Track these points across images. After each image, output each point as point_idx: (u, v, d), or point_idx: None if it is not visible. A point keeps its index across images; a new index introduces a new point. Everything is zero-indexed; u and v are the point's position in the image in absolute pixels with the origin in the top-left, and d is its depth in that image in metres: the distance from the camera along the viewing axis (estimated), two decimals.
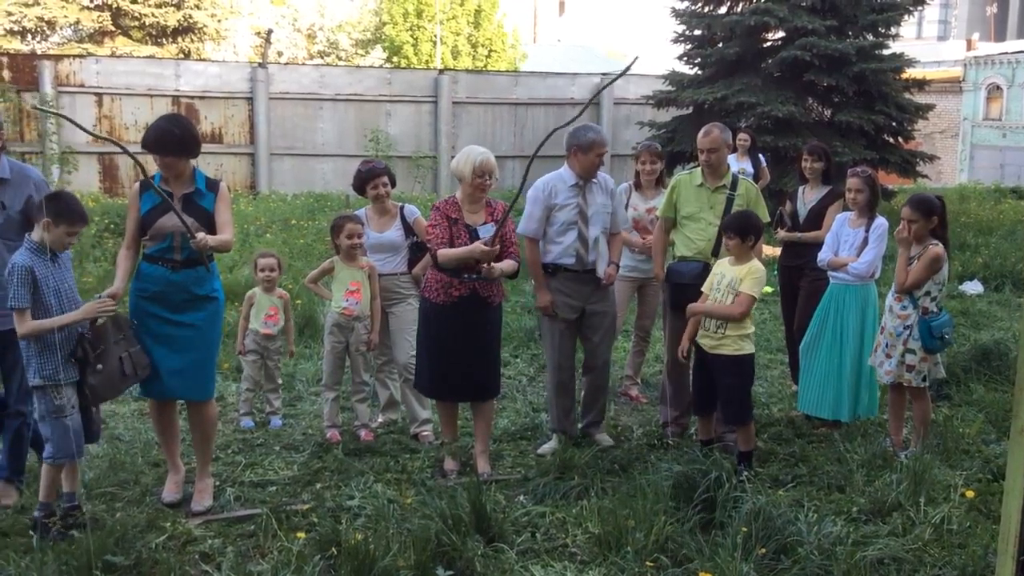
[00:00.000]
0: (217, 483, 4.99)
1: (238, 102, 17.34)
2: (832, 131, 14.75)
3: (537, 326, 7.86)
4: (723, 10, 16.38)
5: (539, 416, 6.26)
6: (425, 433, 5.86)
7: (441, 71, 19.68)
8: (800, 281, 6.41)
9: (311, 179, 17.61)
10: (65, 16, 24.08)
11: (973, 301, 9.90)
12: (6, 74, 15.79)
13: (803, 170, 6.62)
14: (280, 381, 6.43)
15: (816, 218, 6.43)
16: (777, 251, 6.79)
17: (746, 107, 14.53)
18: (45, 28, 24.63)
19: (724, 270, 5.23)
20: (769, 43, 15.99)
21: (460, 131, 18.45)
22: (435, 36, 29.88)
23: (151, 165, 4.70)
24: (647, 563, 4.00)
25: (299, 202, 15.31)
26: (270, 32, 32.01)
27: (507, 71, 26.32)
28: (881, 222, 5.87)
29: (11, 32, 24.22)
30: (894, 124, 15.66)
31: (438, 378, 5.32)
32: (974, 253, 12.08)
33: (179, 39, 25.85)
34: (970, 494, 4.68)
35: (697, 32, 16.40)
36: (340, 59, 35.24)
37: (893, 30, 16.03)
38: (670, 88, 16.50)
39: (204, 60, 22.08)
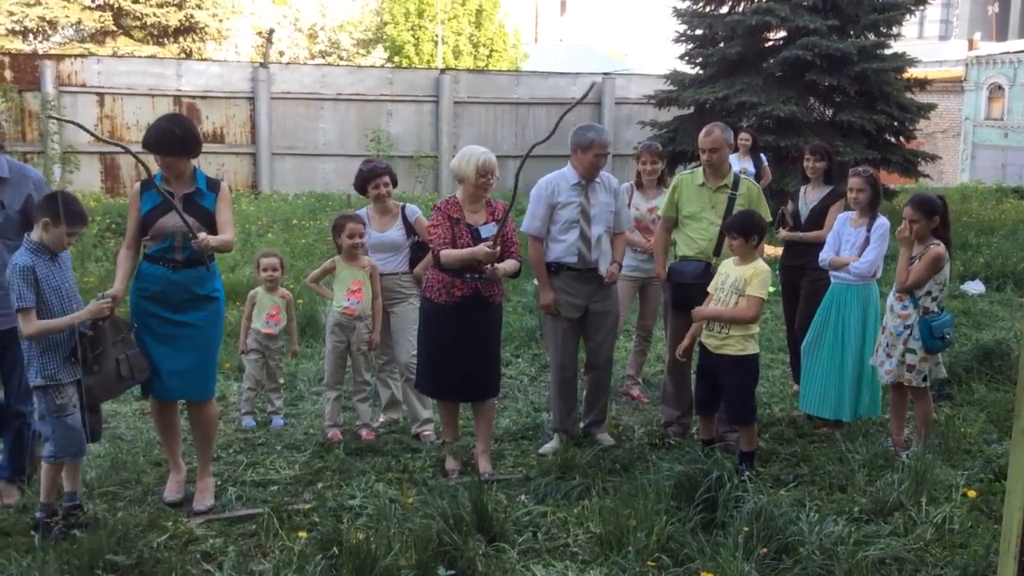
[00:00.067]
0: (219, 482, 4.99)
1: (240, 102, 17.35)
2: (834, 131, 14.73)
3: (539, 325, 7.88)
4: (724, 9, 16.36)
5: (540, 416, 6.26)
6: (426, 433, 5.87)
7: (442, 71, 19.68)
8: (802, 281, 6.41)
9: (312, 179, 17.62)
10: (67, 16, 24.09)
11: (975, 301, 9.90)
12: (8, 74, 15.79)
13: (805, 170, 6.62)
14: (282, 381, 6.44)
15: (818, 218, 6.43)
16: (778, 251, 6.79)
17: (747, 107, 14.52)
18: (47, 28, 24.63)
19: (728, 270, 5.23)
20: (771, 43, 15.98)
21: (461, 131, 18.45)
22: (436, 36, 29.87)
23: (152, 165, 4.69)
24: (648, 563, 4.00)
25: (300, 202, 15.31)
26: (271, 32, 32.04)
27: (508, 71, 26.31)
28: (883, 222, 5.87)
29: (13, 32, 24.22)
30: (896, 124, 15.64)
31: (439, 378, 5.32)
32: (976, 253, 12.07)
33: (181, 39, 25.85)
34: (972, 494, 4.67)
35: (699, 32, 16.39)
36: (341, 59, 35.23)
37: (895, 30, 16.01)
38: (671, 88, 16.49)
39: (206, 60, 22.08)
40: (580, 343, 5.83)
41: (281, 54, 34.39)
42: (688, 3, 16.66)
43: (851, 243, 5.89)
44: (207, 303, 4.73)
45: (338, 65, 27.67)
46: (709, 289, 5.32)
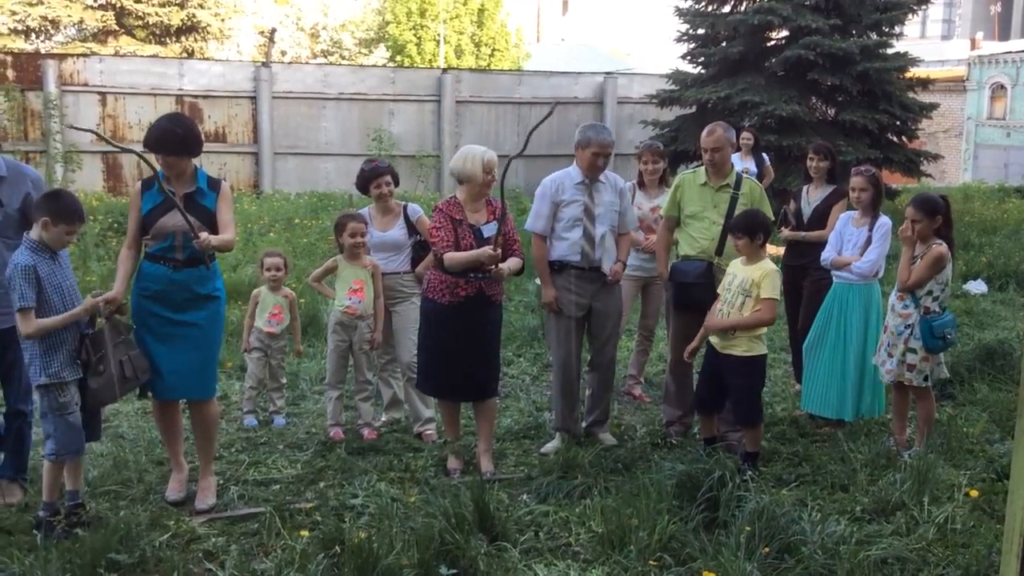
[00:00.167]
0: (221, 481, 5.00)
1: (242, 101, 17.35)
2: (836, 130, 14.73)
3: (541, 324, 7.88)
4: (727, 9, 16.35)
5: (542, 415, 6.27)
6: (428, 432, 5.87)
7: (444, 70, 19.68)
8: (804, 280, 6.41)
9: (314, 178, 17.61)
10: (69, 15, 24.11)
11: (977, 300, 9.89)
12: (10, 73, 15.80)
13: (808, 169, 6.61)
14: (284, 380, 6.44)
15: (820, 217, 6.43)
16: (780, 250, 6.78)
17: (750, 106, 14.51)
18: (49, 27, 24.66)
19: (736, 270, 5.22)
20: (773, 42, 15.97)
21: (463, 130, 18.45)
22: (438, 35, 29.86)
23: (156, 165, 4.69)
24: (650, 562, 4.00)
25: (302, 201, 15.31)
26: (274, 31, 32.03)
27: (510, 70, 26.29)
28: (885, 221, 5.87)
29: (15, 31, 24.25)
30: (898, 123, 15.64)
31: (439, 378, 5.32)
32: (978, 252, 12.06)
33: (183, 38, 25.87)
34: (974, 494, 4.67)
35: (701, 31, 16.38)
36: (343, 58, 35.24)
37: (897, 29, 16.00)
38: (674, 87, 16.49)
39: (208, 59, 22.08)
40: (583, 342, 5.83)
41: (283, 53, 34.41)
42: (690, 2, 16.66)
43: (853, 243, 5.88)
44: (208, 302, 4.73)
45: (340, 64, 27.65)
46: (719, 290, 5.32)
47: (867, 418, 5.95)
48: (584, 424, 5.86)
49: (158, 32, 25.41)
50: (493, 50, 31.19)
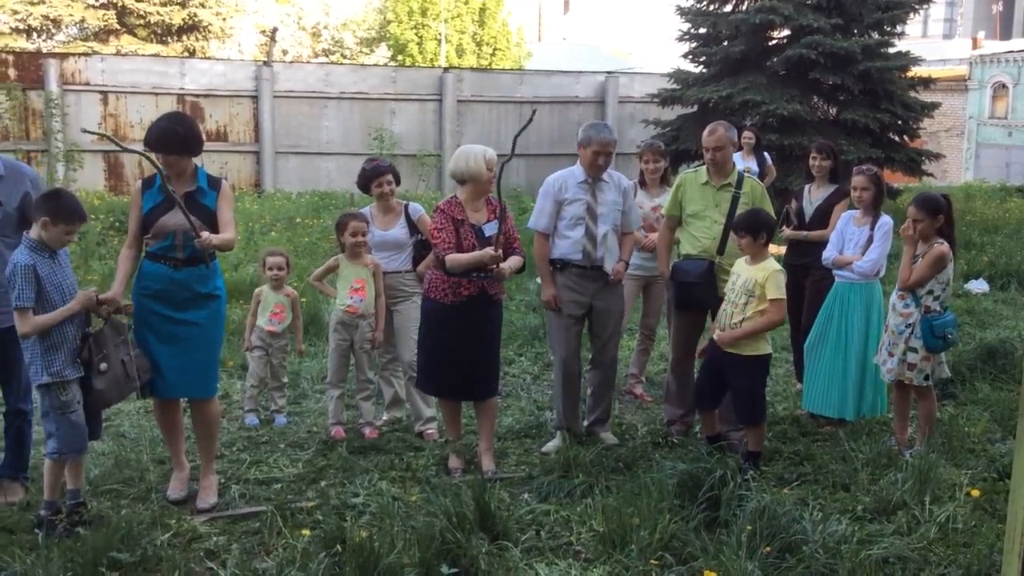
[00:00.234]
0: (222, 480, 5.00)
1: (243, 100, 17.35)
2: (837, 129, 14.72)
3: (543, 324, 7.88)
4: (728, 8, 16.35)
5: (543, 414, 6.26)
6: (430, 431, 5.87)
7: (446, 69, 19.67)
8: (806, 280, 6.39)
9: (316, 177, 17.62)
10: (70, 14, 24.13)
11: (979, 300, 9.88)
12: (12, 72, 15.81)
13: (811, 168, 6.61)
14: (285, 380, 6.44)
15: (823, 217, 6.42)
16: (782, 249, 6.78)
17: (751, 105, 14.51)
18: (50, 26, 24.69)
19: (740, 270, 5.22)
20: (774, 41, 15.96)
21: (465, 129, 18.45)
22: (440, 34, 29.87)
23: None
24: (651, 561, 4.00)
25: (304, 200, 15.31)
26: (275, 30, 32.05)
27: (512, 69, 26.28)
28: (886, 220, 5.86)
29: (17, 30, 24.28)
30: (899, 122, 15.63)
31: (440, 378, 5.32)
32: (979, 252, 12.05)
33: (184, 37, 25.89)
34: (975, 493, 4.67)
35: (702, 30, 16.37)
36: (345, 57, 35.26)
37: (899, 28, 16.00)
38: (675, 86, 16.48)
39: (209, 58, 22.10)
40: (584, 341, 5.83)
41: (285, 53, 34.43)
42: (692, 2, 16.66)
43: (854, 242, 5.88)
44: (209, 301, 4.73)
45: (341, 64, 27.67)
46: (725, 290, 5.31)
47: (868, 417, 5.95)
48: (585, 423, 5.86)
49: (159, 31, 25.44)
50: (494, 49, 31.21)
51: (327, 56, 35.65)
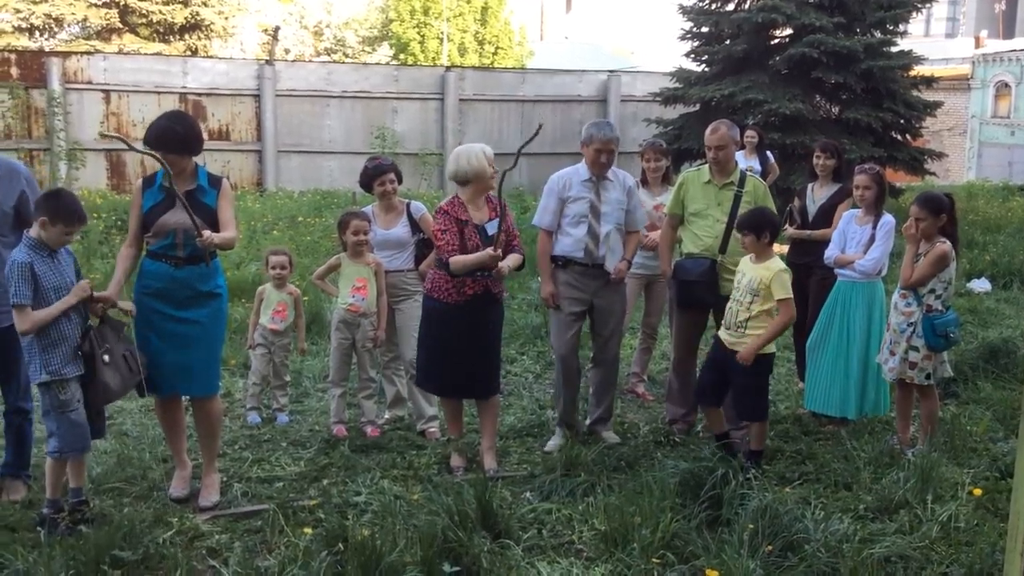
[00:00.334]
0: (224, 479, 5.00)
1: (245, 99, 17.36)
2: (840, 128, 14.70)
3: (545, 322, 7.88)
4: (731, 7, 16.35)
5: (545, 413, 6.26)
6: (432, 430, 5.87)
7: (448, 68, 19.67)
8: (809, 279, 6.37)
9: (318, 176, 17.63)
10: (73, 13, 24.15)
11: (981, 299, 9.87)
12: (14, 71, 15.83)
13: (815, 167, 6.61)
14: (288, 378, 6.45)
15: (826, 216, 6.42)
16: (785, 248, 6.77)
17: (753, 104, 14.50)
18: (53, 25, 24.71)
19: (745, 268, 5.21)
20: (777, 40, 15.95)
21: (467, 128, 18.44)
22: (442, 33, 29.87)
23: (155, 164, 4.68)
24: (653, 560, 3.99)
25: (306, 199, 15.32)
26: (277, 29, 32.05)
27: (514, 68, 26.28)
28: (888, 219, 5.85)
29: (19, 29, 24.30)
30: (902, 121, 15.61)
31: (442, 377, 5.33)
32: (982, 251, 12.04)
33: (186, 36, 25.90)
34: (977, 492, 4.67)
35: (704, 29, 16.36)
36: (347, 56, 35.29)
37: (901, 27, 15.98)
38: (677, 85, 16.48)
39: (211, 57, 22.11)
40: (584, 339, 5.83)
41: (287, 51, 34.45)
42: (694, 0, 16.64)
43: (856, 241, 5.88)
44: (210, 300, 4.74)
45: (343, 62, 27.68)
46: (733, 288, 5.31)
47: (870, 416, 5.94)
48: (587, 422, 5.87)
49: (162, 30, 25.45)
50: (496, 48, 31.20)
51: (329, 55, 35.68)
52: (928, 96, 16.24)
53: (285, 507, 4.52)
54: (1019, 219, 15.05)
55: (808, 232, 6.48)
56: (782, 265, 5.16)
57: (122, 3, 24.36)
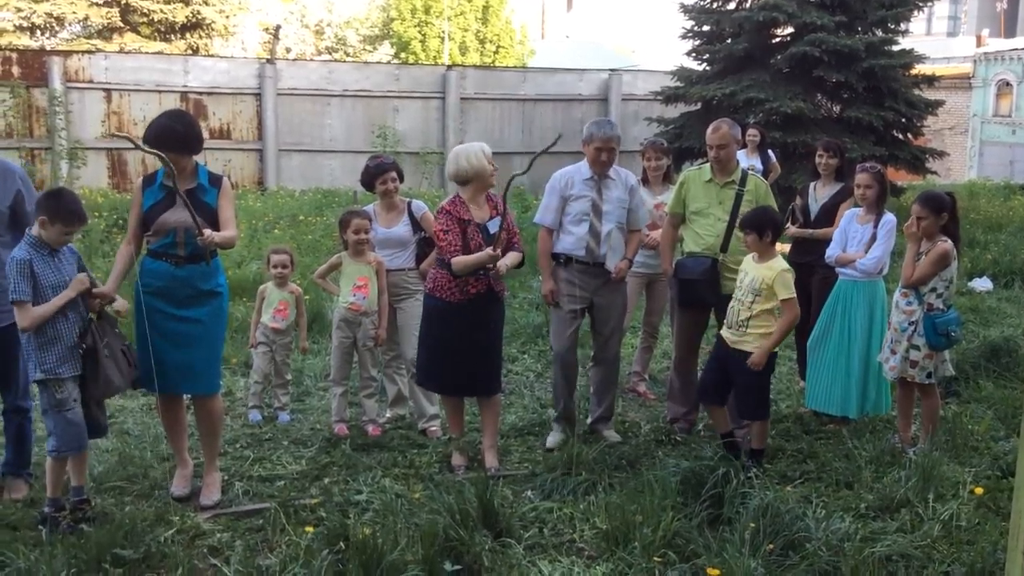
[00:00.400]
0: (226, 477, 5.01)
1: (246, 98, 17.35)
2: (841, 127, 14.69)
3: (546, 321, 7.88)
4: (732, 6, 16.33)
5: (546, 412, 6.26)
6: (433, 428, 5.87)
7: (449, 67, 19.66)
8: (811, 278, 6.36)
9: (319, 175, 17.62)
10: (74, 12, 24.15)
11: (982, 298, 9.86)
12: (16, 70, 15.82)
13: (817, 166, 6.60)
14: (289, 377, 6.45)
15: (828, 215, 6.41)
16: (786, 247, 6.77)
17: (755, 103, 14.48)
18: (54, 24, 24.70)
19: (748, 267, 5.21)
20: (778, 39, 15.93)
21: (468, 127, 18.43)
22: (443, 32, 29.87)
23: (156, 162, 4.68)
24: (654, 559, 4.00)
25: (307, 198, 15.32)
26: (278, 28, 32.04)
27: (515, 67, 26.27)
28: (889, 218, 5.85)
29: (20, 28, 24.29)
30: (903, 120, 15.59)
31: (443, 377, 5.33)
32: (983, 250, 12.03)
33: (187, 35, 25.89)
34: (979, 491, 4.67)
35: (706, 28, 16.33)
36: (348, 55, 35.28)
37: (903, 26, 15.96)
38: (678, 84, 16.46)
39: (212, 56, 22.10)
40: (583, 337, 5.83)
41: (288, 50, 34.43)
42: None
43: (858, 239, 5.87)
44: (211, 298, 4.74)
45: (345, 61, 27.68)
46: (735, 287, 5.30)
47: (872, 415, 5.94)
48: (589, 421, 5.87)
49: (163, 29, 25.44)
50: (498, 47, 31.21)
51: (330, 54, 35.67)
52: (929, 95, 16.22)
53: (286, 506, 4.52)
54: (1020, 218, 15.03)
55: (810, 231, 6.48)
56: (785, 265, 5.15)
57: (123, 2, 24.35)
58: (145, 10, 24.59)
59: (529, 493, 4.87)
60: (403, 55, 30.18)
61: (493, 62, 29.94)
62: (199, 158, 4.83)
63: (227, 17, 26.81)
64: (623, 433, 5.85)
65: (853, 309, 5.83)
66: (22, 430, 4.89)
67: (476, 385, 5.36)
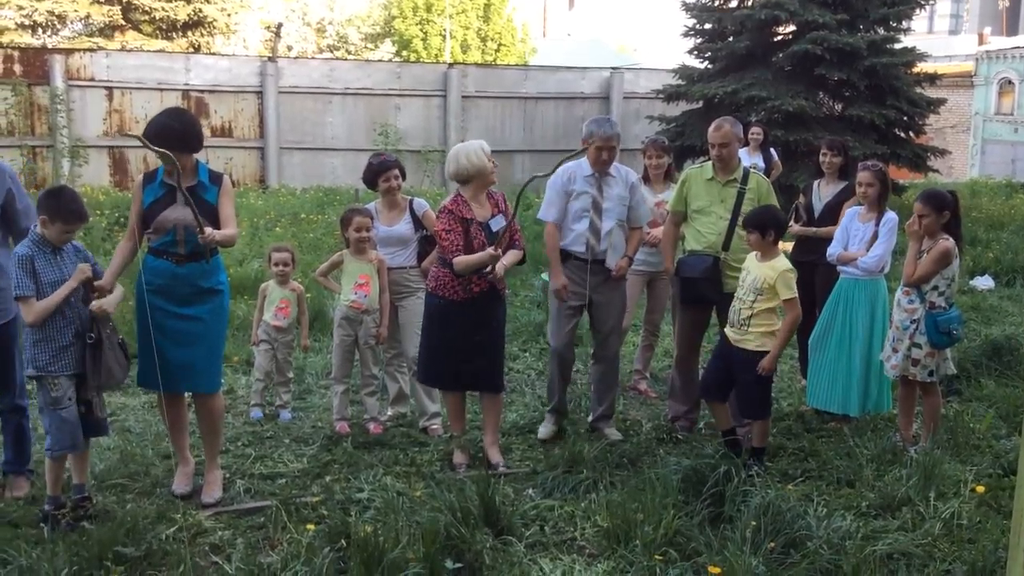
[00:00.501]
0: (227, 475, 5.01)
1: (248, 96, 17.34)
2: (843, 125, 14.69)
3: (547, 319, 7.88)
4: (734, 4, 16.32)
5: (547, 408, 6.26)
6: (434, 426, 5.87)
7: (450, 65, 19.65)
8: (814, 277, 6.35)
9: (320, 173, 17.61)
10: (75, 10, 24.13)
11: (984, 296, 9.86)
12: (17, 68, 15.81)
13: (821, 164, 6.60)
14: (291, 375, 6.45)
15: (832, 213, 6.40)
16: (789, 246, 6.76)
17: (756, 101, 14.48)
18: (56, 22, 24.68)
19: (750, 266, 5.20)
20: (780, 37, 15.91)
21: (469, 125, 18.42)
22: (444, 30, 29.85)
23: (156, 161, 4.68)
24: (656, 557, 4.00)
25: (308, 196, 15.33)
26: (280, 26, 32.01)
27: (516, 65, 26.23)
28: (891, 217, 5.85)
29: (22, 26, 24.29)
30: (905, 119, 15.58)
31: (446, 375, 5.33)
32: (985, 248, 12.02)
33: (189, 33, 25.87)
34: (980, 489, 4.67)
35: (707, 26, 16.32)
36: (349, 53, 35.25)
37: (904, 24, 15.96)
38: (680, 82, 16.45)
39: (214, 54, 22.10)
40: (581, 334, 5.84)
41: (289, 48, 34.40)
42: None
43: (859, 238, 5.87)
44: (212, 296, 4.74)
45: (346, 59, 27.67)
46: (738, 286, 5.30)
47: (873, 413, 5.94)
48: (590, 419, 5.88)
49: (164, 27, 25.42)
50: (499, 45, 31.19)
51: (332, 52, 35.64)
52: (931, 93, 16.21)
53: (288, 503, 4.53)
54: (1022, 216, 15.02)
55: (814, 229, 6.47)
56: (787, 264, 5.15)
57: (125, 0, 24.35)
58: (147, 8, 24.57)
59: (530, 491, 4.87)
60: (404, 53, 30.17)
61: (495, 60, 29.93)
62: (200, 156, 4.83)
63: (229, 15, 26.79)
64: (624, 431, 5.85)
65: (854, 307, 5.83)
66: (20, 428, 4.90)
67: (478, 382, 5.36)
